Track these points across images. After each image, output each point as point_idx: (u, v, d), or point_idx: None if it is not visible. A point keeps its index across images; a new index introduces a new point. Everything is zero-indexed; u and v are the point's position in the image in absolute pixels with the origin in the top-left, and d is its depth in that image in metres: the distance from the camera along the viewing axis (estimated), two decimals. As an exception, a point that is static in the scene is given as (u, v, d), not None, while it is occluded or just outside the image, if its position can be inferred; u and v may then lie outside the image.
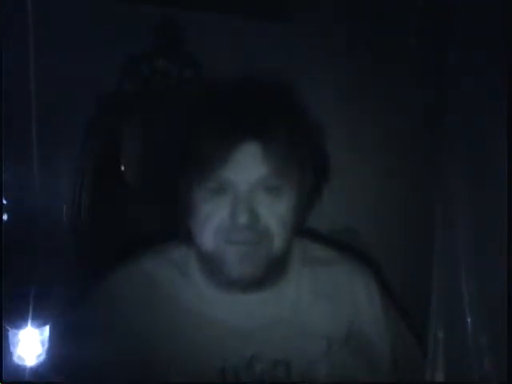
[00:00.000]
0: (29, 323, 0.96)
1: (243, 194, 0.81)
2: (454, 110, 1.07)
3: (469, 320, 0.91)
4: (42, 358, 0.96)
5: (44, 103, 1.13)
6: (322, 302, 0.91)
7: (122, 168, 1.31)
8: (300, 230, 0.96)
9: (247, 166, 0.82)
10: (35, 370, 0.95)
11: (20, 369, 0.95)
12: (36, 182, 1.18)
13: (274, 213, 0.83)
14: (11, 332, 0.97)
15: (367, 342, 0.91)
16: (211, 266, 0.87)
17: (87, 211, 1.26)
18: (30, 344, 0.97)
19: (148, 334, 0.85)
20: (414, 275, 1.27)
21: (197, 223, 0.85)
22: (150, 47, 1.33)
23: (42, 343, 0.97)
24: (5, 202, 1.13)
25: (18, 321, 0.97)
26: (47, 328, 0.97)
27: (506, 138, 0.93)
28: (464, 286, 0.92)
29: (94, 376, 0.83)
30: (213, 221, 0.82)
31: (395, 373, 0.92)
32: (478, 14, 1.04)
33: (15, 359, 0.96)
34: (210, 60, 1.33)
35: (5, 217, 1.10)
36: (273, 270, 0.88)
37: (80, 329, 0.87)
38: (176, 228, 0.93)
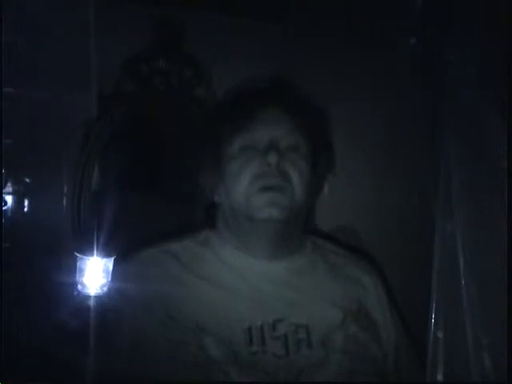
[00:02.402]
0: (97, 253, 1.01)
1: (270, 142, 0.93)
2: (453, 109, 1.08)
3: (469, 320, 0.91)
4: (106, 288, 0.99)
5: (44, 103, 1.13)
6: (334, 280, 0.99)
7: (125, 165, 1.32)
8: (309, 227, 1.05)
9: (271, 124, 0.95)
10: (99, 299, 0.98)
11: (84, 297, 0.98)
12: (37, 182, 1.18)
13: (295, 166, 0.94)
14: (79, 260, 1.00)
15: (374, 325, 0.96)
16: (236, 219, 0.95)
17: (93, 207, 1.27)
18: (96, 273, 1.00)
19: (178, 303, 0.90)
20: (414, 275, 1.27)
21: (229, 177, 0.95)
22: (150, 47, 1.33)
23: (107, 274, 1.01)
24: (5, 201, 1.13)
25: (88, 249, 1.01)
26: (112, 260, 1.01)
27: (506, 137, 0.93)
28: (464, 287, 0.93)
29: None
30: (246, 170, 0.93)
31: (395, 365, 0.96)
32: (477, 14, 1.04)
33: (80, 287, 1.00)
34: (209, 60, 1.34)
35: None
36: (288, 230, 0.95)
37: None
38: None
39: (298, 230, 0.99)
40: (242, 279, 0.94)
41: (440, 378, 0.92)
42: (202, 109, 1.32)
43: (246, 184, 0.92)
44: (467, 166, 1.00)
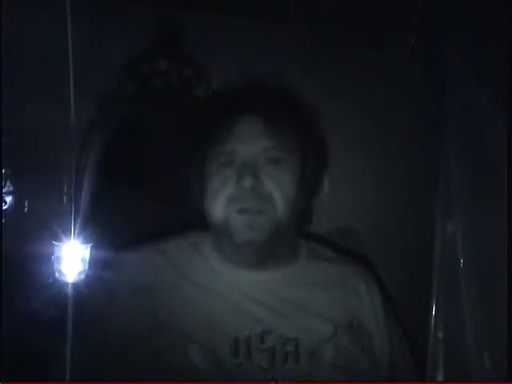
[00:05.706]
0: (74, 239, 0.97)
1: (247, 162, 0.88)
2: (453, 109, 1.08)
3: (469, 320, 0.91)
4: (83, 276, 0.96)
5: (44, 103, 1.13)
6: (327, 291, 0.96)
7: (124, 165, 1.32)
8: (304, 229, 1.02)
9: (250, 138, 0.90)
10: (76, 287, 0.95)
11: (62, 284, 0.95)
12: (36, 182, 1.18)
13: (277, 182, 0.89)
14: (56, 247, 0.97)
15: (367, 336, 0.94)
16: (221, 236, 0.93)
17: (91, 207, 1.27)
18: (73, 261, 0.97)
19: (166, 306, 0.89)
20: (414, 275, 1.27)
21: (208, 195, 0.91)
22: (150, 47, 1.33)
23: (84, 261, 0.98)
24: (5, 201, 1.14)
25: (64, 236, 0.97)
26: (90, 247, 0.98)
27: (506, 137, 0.93)
28: (464, 286, 0.93)
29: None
30: (222, 191, 0.89)
31: (391, 370, 0.95)
32: (477, 14, 1.04)
33: (57, 274, 0.97)
34: (209, 60, 1.34)
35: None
36: (277, 242, 0.92)
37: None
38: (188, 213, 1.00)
39: (289, 237, 0.97)
40: (232, 288, 0.91)
41: (440, 377, 0.92)
42: (201, 109, 1.32)
43: (223, 205, 0.89)
44: (467, 166, 1.00)
